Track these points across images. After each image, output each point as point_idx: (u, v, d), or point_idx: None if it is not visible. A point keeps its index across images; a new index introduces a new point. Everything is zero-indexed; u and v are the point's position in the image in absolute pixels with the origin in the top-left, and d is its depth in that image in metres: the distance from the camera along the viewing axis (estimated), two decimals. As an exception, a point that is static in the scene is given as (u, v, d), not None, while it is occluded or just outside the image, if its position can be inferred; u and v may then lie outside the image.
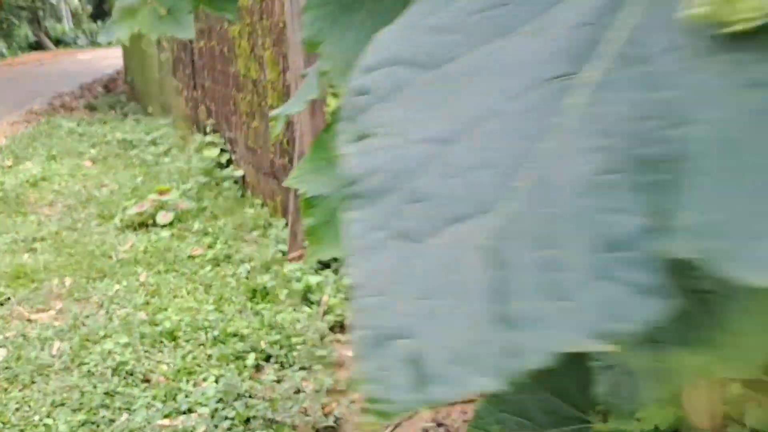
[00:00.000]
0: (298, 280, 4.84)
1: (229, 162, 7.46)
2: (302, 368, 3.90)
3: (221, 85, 7.60)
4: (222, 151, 7.59)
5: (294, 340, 4.11)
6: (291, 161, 5.66)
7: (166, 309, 4.68)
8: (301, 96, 1.26)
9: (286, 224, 5.79)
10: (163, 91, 10.85)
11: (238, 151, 7.27)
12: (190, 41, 8.58)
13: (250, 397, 3.58)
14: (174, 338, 4.27)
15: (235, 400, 3.52)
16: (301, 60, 4.96)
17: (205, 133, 8.18)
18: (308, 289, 4.73)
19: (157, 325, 4.42)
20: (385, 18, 1.04)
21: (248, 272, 5.19)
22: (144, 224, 6.47)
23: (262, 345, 4.09)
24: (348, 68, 1.13)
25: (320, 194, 1.19)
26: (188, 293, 4.97)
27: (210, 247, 5.83)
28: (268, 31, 5.90)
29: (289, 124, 5.69)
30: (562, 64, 0.42)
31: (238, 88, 6.99)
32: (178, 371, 3.90)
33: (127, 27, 2.90)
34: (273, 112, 1.33)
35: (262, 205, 6.48)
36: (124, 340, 4.21)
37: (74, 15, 33.74)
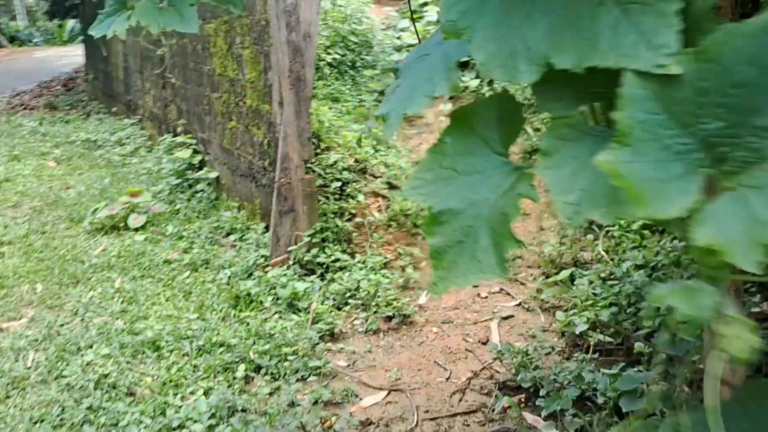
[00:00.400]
0: (284, 286, 4.67)
1: (202, 163, 7.23)
2: (297, 380, 3.74)
3: (194, 84, 7.38)
4: (194, 152, 7.36)
5: (285, 350, 3.94)
6: (272, 163, 5.48)
7: (145, 317, 4.48)
8: (417, 91, 1.09)
9: (266, 228, 5.61)
10: (129, 89, 10.55)
11: (212, 152, 7.06)
12: (160, 38, 8.33)
13: (244, 411, 3.41)
14: (156, 348, 4.07)
15: (230, 415, 3.35)
16: (287, 59, 4.80)
17: (176, 134, 7.94)
18: (295, 296, 4.56)
19: (137, 334, 4.21)
20: (562, 5, 0.88)
21: (229, 278, 5.00)
22: (115, 227, 6.24)
23: (252, 355, 3.91)
24: (515, 59, 0.97)
25: (450, 209, 1.02)
26: (167, 300, 4.76)
27: (186, 251, 5.63)
28: (248, 29, 5.71)
29: (270, 125, 5.52)
30: None
31: (212, 88, 6.78)
32: (164, 384, 3.71)
33: (123, 20, 2.71)
34: (379, 111, 1.16)
35: (239, 208, 6.29)
36: (104, 350, 4.00)
37: (29, 12, 32.94)
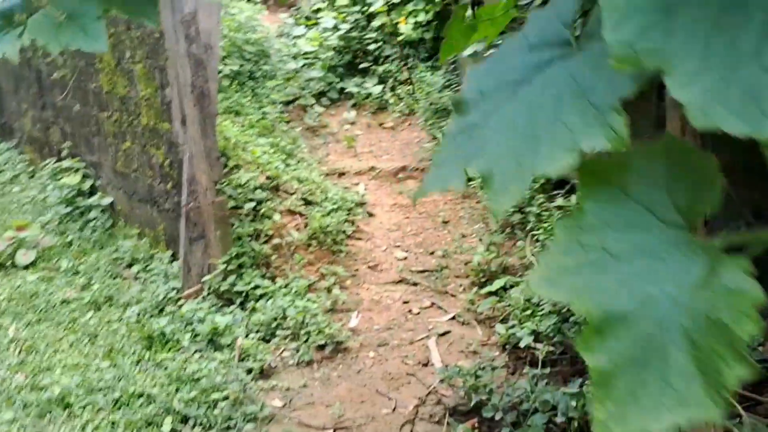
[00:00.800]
0: (201, 321, 4.30)
1: (94, 189, 6.68)
2: (230, 429, 3.39)
3: (79, 104, 6.82)
4: (84, 176, 6.79)
5: (213, 395, 3.58)
6: (175, 186, 5.07)
7: (48, 368, 4.01)
8: (542, 142, 0.74)
9: (173, 256, 5.19)
10: (3, 111, 9.77)
11: (104, 176, 6.53)
12: (39, 54, 7.69)
13: (178, 473, 3.04)
14: (66, 405, 3.63)
15: (163, 481, 2.98)
16: (189, 73, 4.41)
17: (60, 158, 7.33)
18: (215, 331, 4.19)
19: (42, 389, 3.75)
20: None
21: (138, 316, 4.57)
22: (2, 266, 5.65)
23: (177, 405, 3.52)
24: (762, 101, 0.65)
25: (617, 311, 0.69)
26: (71, 346, 4.30)
27: (85, 288, 5.14)
28: (138, 42, 5.27)
29: (172, 145, 5.11)
30: None
31: (101, 107, 6.27)
32: (80, 448, 3.29)
33: (12, 39, 2.31)
34: (473, 166, 0.82)
35: (140, 236, 5.82)
36: (5, 414, 3.52)
37: None
